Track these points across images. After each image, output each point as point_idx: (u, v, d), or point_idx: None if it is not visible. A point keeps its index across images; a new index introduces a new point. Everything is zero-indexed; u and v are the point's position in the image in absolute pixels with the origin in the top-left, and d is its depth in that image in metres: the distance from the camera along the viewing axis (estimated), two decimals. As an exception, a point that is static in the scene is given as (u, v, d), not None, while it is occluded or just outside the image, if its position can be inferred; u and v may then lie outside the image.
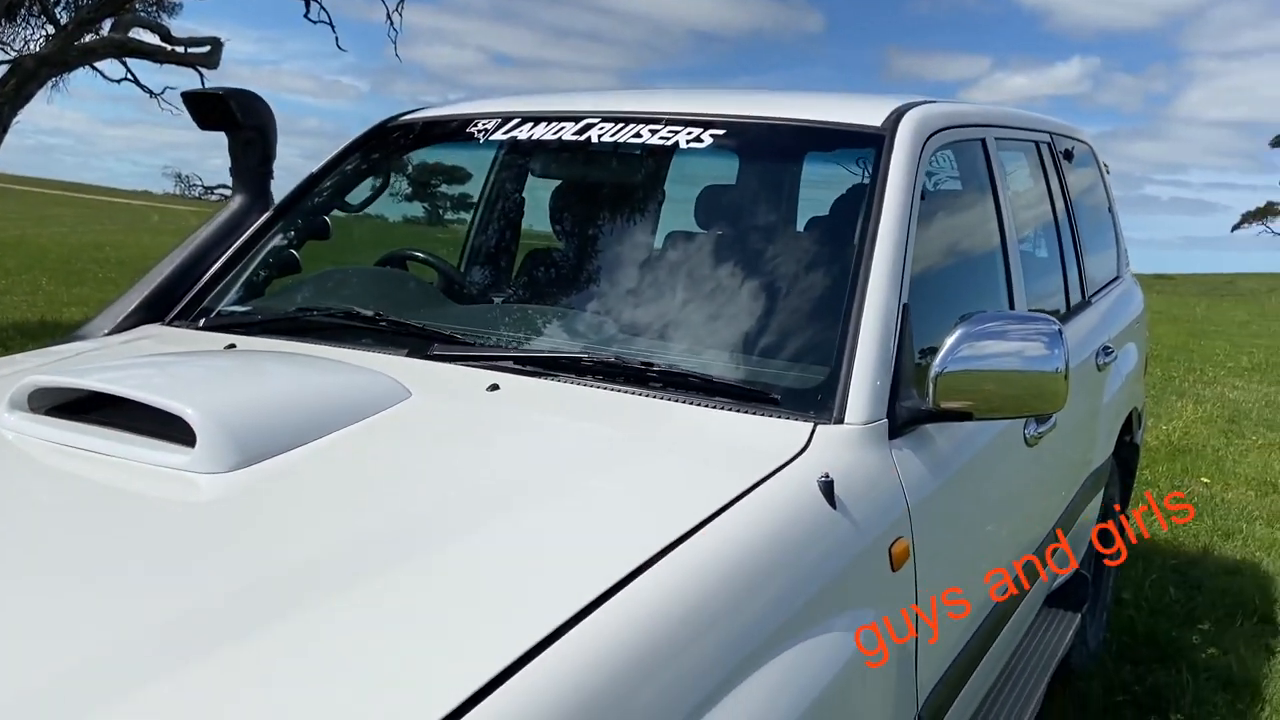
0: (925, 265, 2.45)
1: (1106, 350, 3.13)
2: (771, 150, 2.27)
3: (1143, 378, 3.97)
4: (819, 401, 1.67)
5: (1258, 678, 3.43)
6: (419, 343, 1.89)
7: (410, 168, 2.65)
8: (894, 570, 1.57)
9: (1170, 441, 7.03)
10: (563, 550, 1.22)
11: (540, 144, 2.37)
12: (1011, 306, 2.48)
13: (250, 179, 2.48)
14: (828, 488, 1.47)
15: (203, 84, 8.79)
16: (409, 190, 2.68)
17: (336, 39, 8.51)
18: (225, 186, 2.69)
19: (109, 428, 1.37)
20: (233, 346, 1.91)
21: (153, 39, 8.21)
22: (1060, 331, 1.77)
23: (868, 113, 2.16)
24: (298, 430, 1.38)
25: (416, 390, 1.63)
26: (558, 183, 2.58)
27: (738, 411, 1.64)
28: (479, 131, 2.44)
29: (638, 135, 2.24)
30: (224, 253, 2.36)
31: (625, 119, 2.29)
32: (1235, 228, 56.42)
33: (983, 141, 2.52)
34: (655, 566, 1.18)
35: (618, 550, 1.20)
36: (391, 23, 8.23)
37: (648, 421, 1.62)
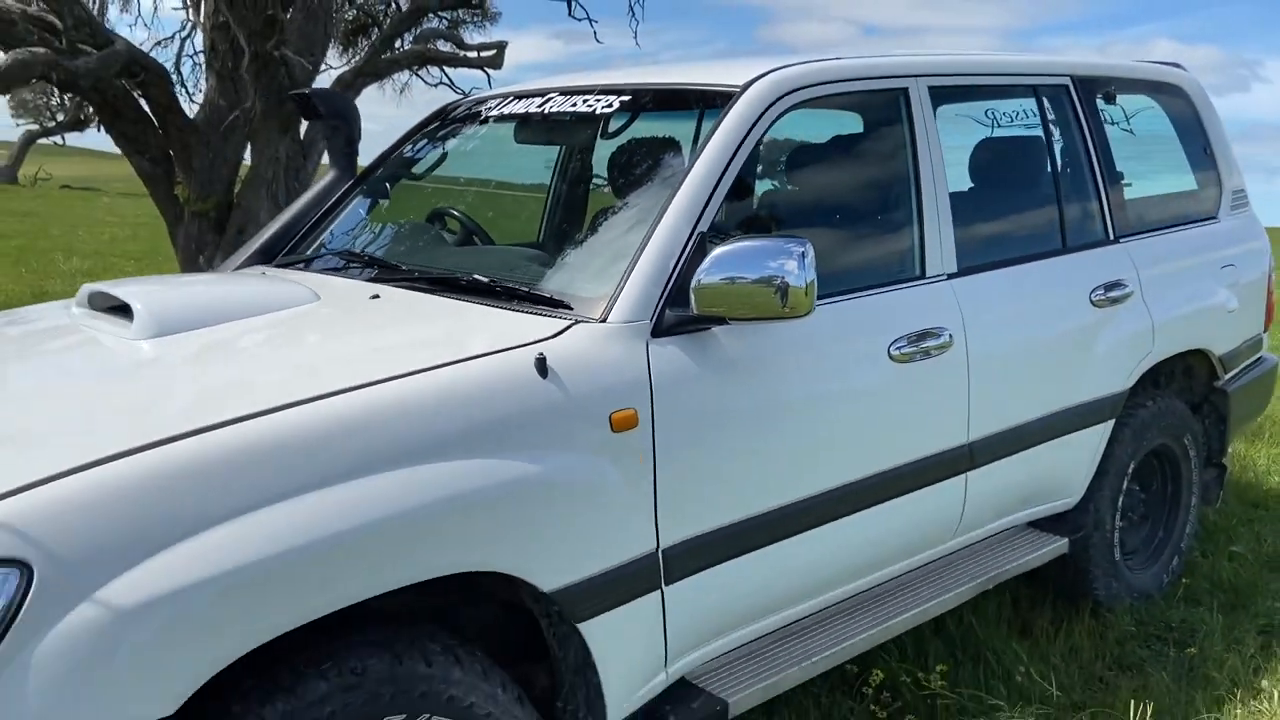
0: (812, 205, 2.83)
1: (1113, 286, 3.15)
2: (655, 110, 2.74)
3: (1249, 322, 3.76)
4: (592, 305, 2.18)
5: (1323, 635, 3.24)
6: (379, 270, 2.65)
7: (453, 143, 3.38)
8: (613, 431, 2.05)
9: None
10: (326, 373, 1.88)
11: (515, 116, 3.02)
12: (921, 245, 2.74)
13: (338, 156, 3.34)
14: (541, 363, 2.00)
15: (489, 84, 10.11)
16: (454, 160, 3.41)
17: (595, 33, 9.47)
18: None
19: (115, 314, 2.26)
20: (265, 274, 2.78)
21: (447, 47, 9.60)
22: (805, 254, 2.12)
23: (742, 74, 2.56)
24: (207, 316, 2.19)
25: (324, 297, 2.38)
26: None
27: (526, 313, 2.20)
28: (486, 111, 3.14)
29: (575, 105, 2.82)
30: (317, 213, 3.25)
31: (575, 91, 2.87)
32: None
33: (904, 92, 2.78)
34: (396, 382, 1.85)
35: (362, 373, 1.86)
36: (633, 13, 9.06)
37: (458, 316, 2.24)
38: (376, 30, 10.00)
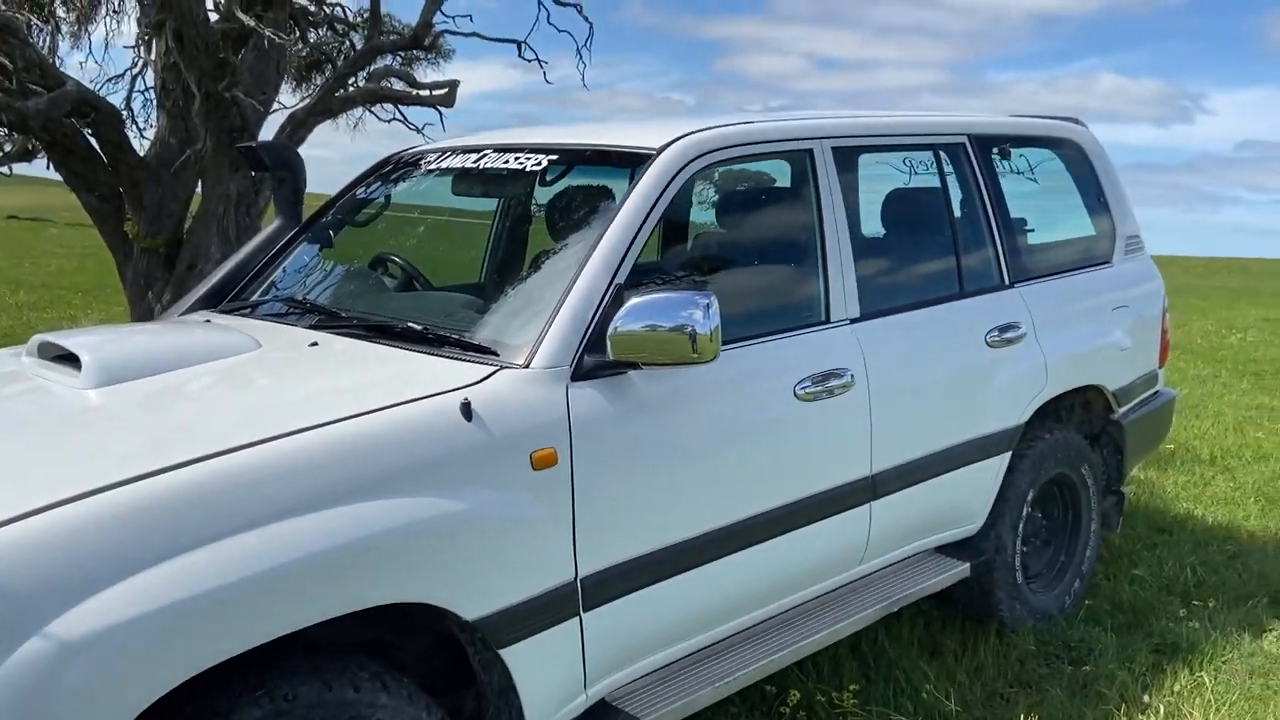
0: (727, 258, 3.04)
1: (1007, 328, 3.40)
2: (586, 167, 2.95)
3: (1142, 359, 4.04)
4: (517, 351, 2.37)
5: (1209, 648, 3.49)
6: (320, 316, 2.81)
7: (397, 193, 3.56)
8: (534, 469, 2.24)
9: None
10: (265, 419, 2.03)
11: (453, 170, 3.21)
12: (825, 292, 2.96)
13: (284, 206, 3.50)
14: (465, 407, 2.18)
15: (441, 121, 10.25)
16: (396, 206, 3.59)
17: (545, 74, 9.69)
18: None
19: (62, 363, 2.40)
20: (209, 321, 2.93)
21: (401, 86, 9.76)
22: (710, 304, 2.33)
23: (659, 137, 2.78)
24: (152, 365, 2.34)
25: (265, 344, 2.54)
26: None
27: (456, 359, 2.38)
28: (426, 164, 3.33)
29: (506, 162, 3.02)
30: (262, 260, 3.40)
31: (508, 149, 3.07)
32: None
33: (810, 152, 3.02)
34: (330, 427, 2.01)
35: (299, 418, 2.02)
36: (580, 56, 9.32)
37: (392, 363, 2.41)
38: (330, 67, 10.17)
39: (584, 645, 2.35)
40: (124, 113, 7.44)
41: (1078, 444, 3.75)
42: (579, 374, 2.37)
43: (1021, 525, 3.57)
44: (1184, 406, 7.34)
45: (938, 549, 3.43)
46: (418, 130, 11.37)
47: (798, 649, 2.85)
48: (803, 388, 2.78)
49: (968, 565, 3.38)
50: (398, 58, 10.12)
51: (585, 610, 2.34)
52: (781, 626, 2.91)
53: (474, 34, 9.44)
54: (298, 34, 10.23)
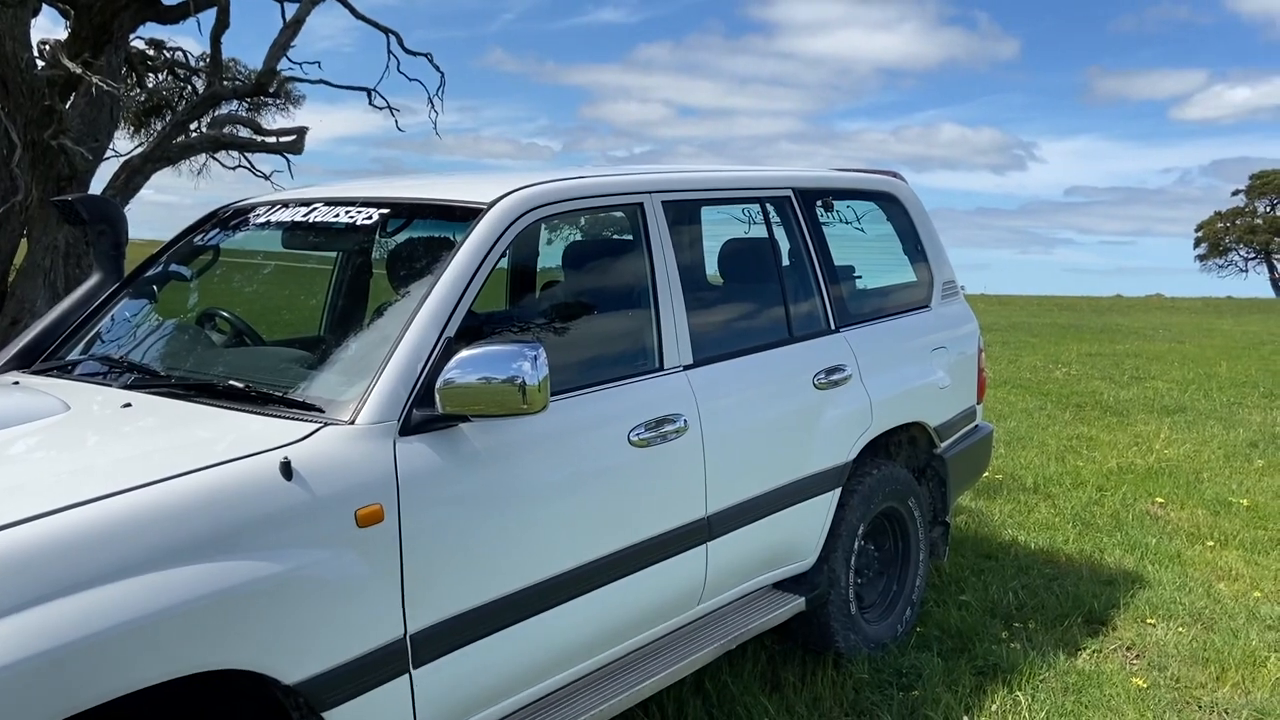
0: (566, 308, 3.10)
1: (833, 370, 3.58)
2: (418, 221, 2.97)
3: (961, 396, 4.31)
4: (342, 407, 2.35)
5: (1027, 668, 3.71)
6: (138, 375, 2.72)
7: (227, 244, 3.49)
8: (359, 526, 2.22)
9: (1163, 463, 7.00)
10: (66, 485, 1.95)
11: (284, 224, 3.18)
12: (659, 340, 3.06)
13: (104, 260, 3.39)
14: (285, 466, 2.15)
15: (289, 168, 10.03)
16: (226, 261, 3.52)
17: (396, 122, 9.64)
18: None
19: None
20: (17, 384, 2.79)
21: (245, 132, 9.53)
22: (538, 356, 2.38)
23: (491, 191, 2.83)
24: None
25: (75, 406, 2.45)
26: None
27: (279, 417, 2.35)
28: (256, 218, 3.28)
29: (337, 216, 3.01)
30: (80, 317, 3.27)
31: (339, 203, 3.06)
32: None
33: (640, 206, 3.13)
34: (137, 491, 1.95)
35: (102, 483, 1.94)
36: (433, 105, 9.34)
37: (211, 422, 2.36)
38: (170, 113, 9.85)
39: (415, 703, 2.33)
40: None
41: (904, 478, 3.95)
42: (407, 429, 2.37)
43: (854, 558, 3.73)
44: (1012, 438, 7.82)
45: (774, 585, 3.55)
46: (265, 177, 11.13)
47: (638, 691, 2.89)
48: (636, 434, 2.85)
49: (803, 599, 3.51)
50: (243, 104, 9.89)
51: (415, 667, 2.32)
52: (622, 670, 2.95)
53: (321, 81, 9.35)
54: (134, 79, 9.89)
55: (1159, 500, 6.11)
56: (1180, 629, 4.17)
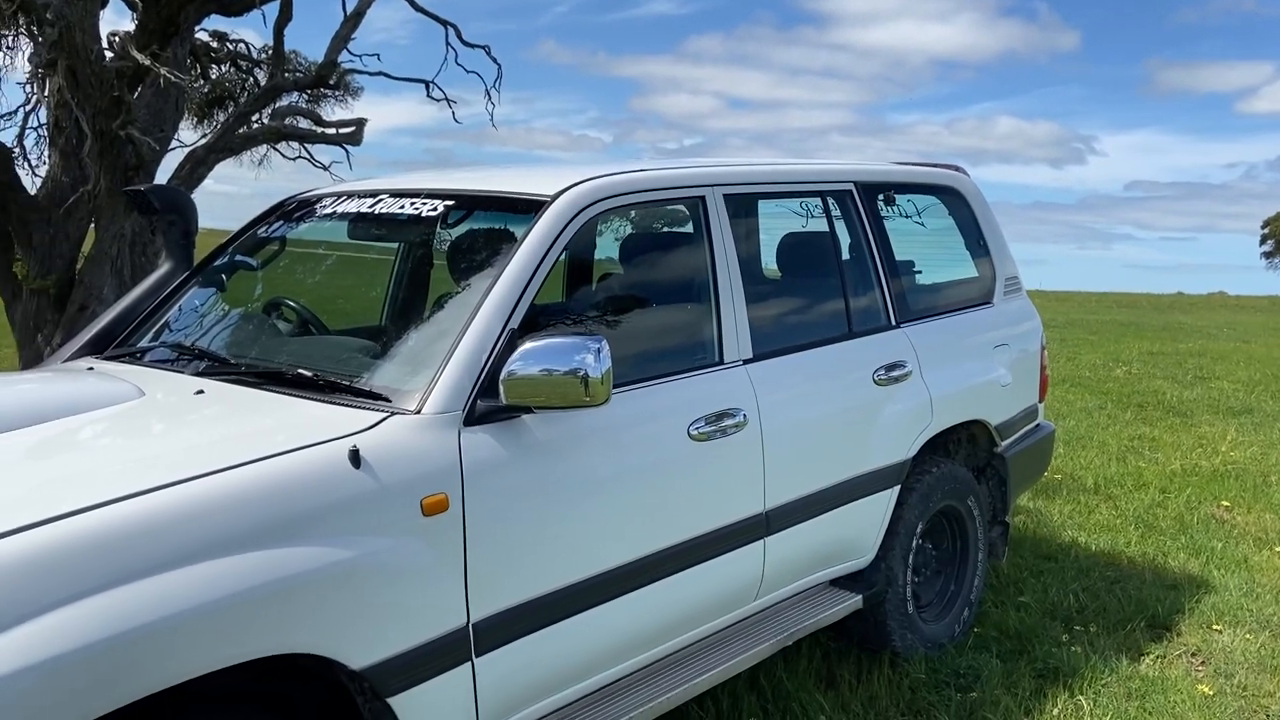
0: (625, 301, 3.10)
1: (894, 366, 3.54)
2: (480, 213, 2.98)
3: (1023, 394, 4.24)
4: (408, 397, 2.38)
5: (1088, 672, 3.64)
6: (208, 363, 2.78)
7: (293, 235, 3.54)
8: (425, 515, 2.25)
9: (1229, 465, 6.82)
10: (145, 470, 2.00)
11: (349, 215, 3.22)
12: (719, 334, 3.05)
13: (174, 249, 3.45)
14: (354, 454, 2.18)
15: (348, 159, 10.17)
16: (295, 249, 3.57)
17: (454, 113, 9.72)
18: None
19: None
20: (91, 369, 2.86)
21: (305, 124, 9.67)
22: (601, 349, 2.38)
23: (554, 184, 2.83)
24: (30, 416, 2.29)
25: (149, 392, 2.50)
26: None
27: (347, 405, 2.38)
28: (322, 208, 3.32)
29: (402, 207, 3.04)
30: (151, 304, 3.34)
31: (404, 194, 3.09)
32: None
33: (702, 199, 3.11)
34: (212, 477, 1.99)
35: (178, 468, 1.99)
36: (489, 96, 9.39)
37: (281, 410, 2.40)
38: (233, 104, 10.03)
39: (476, 691, 2.36)
40: (14, 150, 7.23)
41: (964, 477, 3.90)
42: (472, 419, 2.39)
43: (912, 556, 3.69)
44: (1071, 437, 7.67)
45: (831, 582, 3.53)
46: (324, 168, 11.28)
47: (694, 686, 2.89)
48: (696, 428, 2.85)
49: (860, 597, 3.48)
50: (303, 96, 10.03)
51: (477, 655, 2.34)
52: (678, 664, 2.95)
53: (380, 73, 9.43)
54: (198, 71, 10.08)
55: (1225, 503, 5.96)
56: (1248, 635, 4.07)
